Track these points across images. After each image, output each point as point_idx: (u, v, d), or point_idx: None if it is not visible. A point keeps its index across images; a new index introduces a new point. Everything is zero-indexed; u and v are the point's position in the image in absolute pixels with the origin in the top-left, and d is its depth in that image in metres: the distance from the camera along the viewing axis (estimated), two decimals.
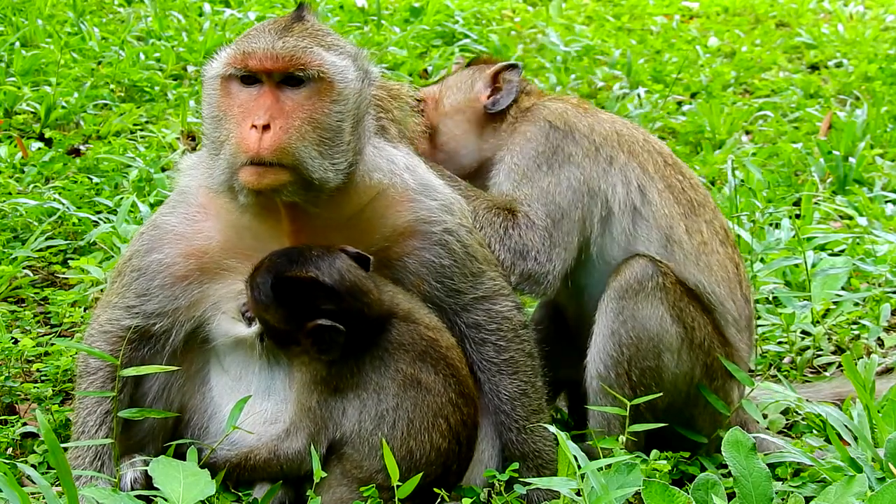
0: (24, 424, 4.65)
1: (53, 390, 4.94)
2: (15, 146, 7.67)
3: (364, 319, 4.02)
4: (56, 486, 3.85)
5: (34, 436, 4.62)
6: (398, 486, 3.80)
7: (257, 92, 3.96)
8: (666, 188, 4.68)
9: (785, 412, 5.08)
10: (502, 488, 4.13)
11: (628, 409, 4.23)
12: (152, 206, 6.64)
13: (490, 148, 4.83)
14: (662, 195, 4.66)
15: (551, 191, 4.60)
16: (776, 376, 5.42)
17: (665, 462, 4.13)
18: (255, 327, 4.11)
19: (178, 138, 8.02)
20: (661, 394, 4.45)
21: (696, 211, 4.72)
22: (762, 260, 6.36)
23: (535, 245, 4.54)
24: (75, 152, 7.81)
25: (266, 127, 3.87)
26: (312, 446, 3.97)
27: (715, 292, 4.66)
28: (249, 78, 3.98)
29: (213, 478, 3.83)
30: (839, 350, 5.79)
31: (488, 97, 4.88)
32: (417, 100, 4.94)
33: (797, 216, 7.23)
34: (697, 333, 4.54)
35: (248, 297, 4.03)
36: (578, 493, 3.60)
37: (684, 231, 4.65)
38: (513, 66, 4.93)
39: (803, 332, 5.88)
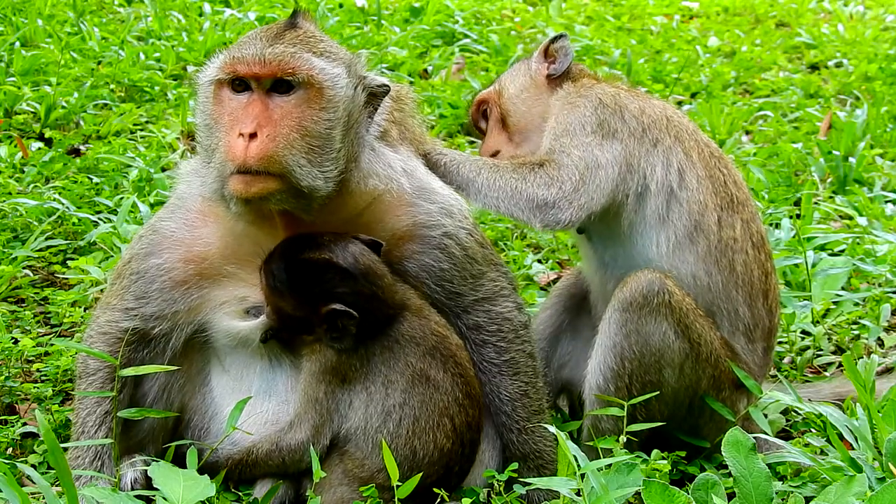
0: (24, 424, 4.65)
1: (53, 390, 4.94)
2: (15, 146, 7.67)
3: (378, 304, 4.03)
4: (56, 486, 3.85)
5: (34, 436, 4.62)
6: (398, 486, 3.80)
7: (247, 99, 3.97)
8: (707, 177, 4.67)
9: (785, 412, 5.08)
10: (502, 488, 4.13)
11: (626, 409, 4.24)
12: (152, 206, 6.64)
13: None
14: (702, 182, 4.64)
15: (592, 146, 4.61)
16: (776, 376, 5.41)
17: (665, 462, 4.13)
18: (259, 321, 4.12)
19: (178, 138, 8.02)
20: (656, 400, 4.43)
21: (734, 207, 4.69)
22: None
23: (561, 177, 4.55)
24: (75, 152, 7.81)
25: (253, 135, 3.87)
26: (314, 439, 3.97)
27: (730, 296, 4.62)
28: (240, 85, 3.99)
29: (213, 478, 3.84)
30: (839, 350, 5.79)
31: (548, 68, 5.02)
32: (479, 102, 5.14)
33: (797, 216, 7.23)
34: (704, 349, 4.50)
35: (263, 286, 4.04)
36: (578, 493, 3.60)
37: (715, 222, 4.62)
38: (559, 37, 5.09)
39: (803, 332, 5.88)
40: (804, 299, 5.92)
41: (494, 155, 4.99)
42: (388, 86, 4.19)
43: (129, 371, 4.04)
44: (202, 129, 4.09)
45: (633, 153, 4.63)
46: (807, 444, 4.48)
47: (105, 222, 6.54)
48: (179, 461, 4.02)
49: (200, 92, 4.10)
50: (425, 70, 10.23)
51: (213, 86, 4.03)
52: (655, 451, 4.22)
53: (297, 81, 3.95)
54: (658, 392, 4.44)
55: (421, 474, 3.89)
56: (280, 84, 3.96)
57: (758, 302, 4.69)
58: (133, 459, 4.15)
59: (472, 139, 8.74)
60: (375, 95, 4.16)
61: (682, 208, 4.61)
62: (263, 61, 3.93)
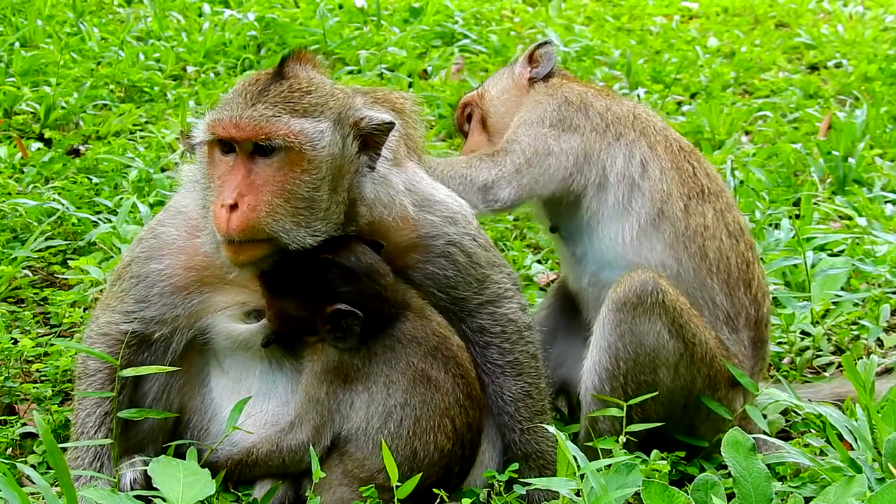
0: (24, 425, 4.66)
1: (53, 390, 4.94)
2: (15, 146, 7.67)
3: (381, 303, 4.03)
4: (55, 486, 3.85)
5: (34, 436, 4.62)
6: (398, 487, 3.80)
7: (232, 162, 3.91)
8: (672, 168, 4.72)
9: (784, 412, 5.08)
10: (502, 488, 4.13)
11: (624, 410, 4.24)
12: (152, 206, 6.64)
13: None
14: (666, 173, 4.69)
15: (547, 137, 4.71)
16: (775, 376, 5.41)
17: (664, 462, 4.13)
18: (259, 324, 4.12)
19: (177, 138, 8.01)
20: (652, 400, 4.43)
21: (705, 196, 4.72)
22: (762, 260, 6.36)
23: (504, 161, 4.68)
24: (75, 152, 7.81)
25: (235, 206, 3.82)
26: (315, 440, 3.97)
27: (704, 283, 4.64)
28: (226, 145, 3.92)
29: (213, 477, 3.83)
30: (839, 350, 5.79)
31: (530, 72, 5.11)
32: (463, 105, 5.23)
33: (797, 216, 7.23)
34: (698, 349, 4.51)
35: (264, 291, 4.03)
36: (578, 494, 3.60)
37: (681, 209, 4.65)
38: (543, 43, 5.20)
39: (803, 332, 5.88)
40: (804, 300, 5.92)
41: None
42: (391, 122, 4.07)
43: (129, 371, 4.04)
44: (200, 185, 4.04)
45: (592, 146, 4.71)
46: (806, 445, 4.48)
47: (105, 222, 6.54)
48: None
49: (197, 151, 4.06)
50: (425, 70, 10.23)
51: (206, 145, 3.98)
52: (655, 452, 4.22)
53: (276, 145, 3.87)
54: (655, 392, 4.44)
55: (421, 475, 3.89)
56: (262, 146, 3.88)
57: (738, 290, 4.70)
58: (132, 460, 4.14)
59: None
60: (378, 133, 4.05)
61: (645, 197, 4.66)
62: (239, 126, 3.85)
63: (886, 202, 7.65)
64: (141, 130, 8.31)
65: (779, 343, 5.77)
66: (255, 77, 4.06)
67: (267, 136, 3.85)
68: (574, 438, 4.58)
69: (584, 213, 4.69)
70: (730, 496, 3.83)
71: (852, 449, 4.16)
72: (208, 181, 3.97)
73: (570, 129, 4.71)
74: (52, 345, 5.22)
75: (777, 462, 4.22)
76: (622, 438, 4.17)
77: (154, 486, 3.76)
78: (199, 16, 11.28)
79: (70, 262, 6.15)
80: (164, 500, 3.70)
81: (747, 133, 9.30)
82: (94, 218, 6.62)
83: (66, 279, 6.07)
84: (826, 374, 5.61)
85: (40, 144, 7.89)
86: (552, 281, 6.20)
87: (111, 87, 9.10)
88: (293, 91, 3.95)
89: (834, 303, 6.13)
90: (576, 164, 4.67)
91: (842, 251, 6.71)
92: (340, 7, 11.80)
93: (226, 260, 3.93)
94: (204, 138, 3.95)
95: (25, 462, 4.41)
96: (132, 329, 4.16)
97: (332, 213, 3.96)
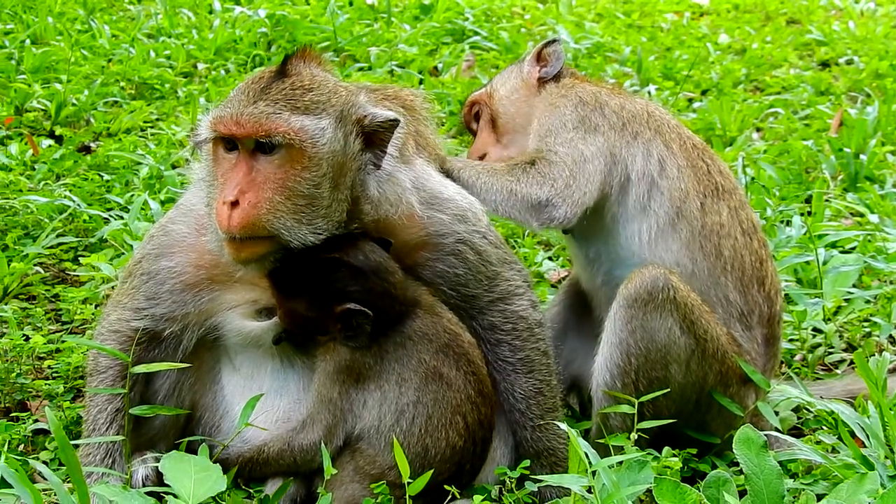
0: (36, 421, 4.67)
1: (65, 387, 4.96)
2: (26, 143, 7.69)
3: (391, 301, 4.03)
4: (67, 482, 3.86)
5: (46, 432, 4.63)
6: (409, 483, 3.80)
7: (235, 159, 3.92)
8: (688, 166, 4.71)
9: (796, 409, 5.07)
10: (513, 485, 4.13)
11: (636, 407, 4.23)
12: (163, 203, 6.66)
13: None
14: (683, 171, 4.68)
15: (576, 141, 4.68)
16: (787, 373, 5.40)
17: (676, 459, 4.12)
18: (270, 322, 4.12)
19: (187, 135, 8.02)
20: (663, 397, 4.41)
21: (719, 194, 4.72)
22: (774, 257, 6.34)
23: (552, 175, 4.61)
24: (86, 149, 7.83)
25: (235, 203, 3.83)
26: (326, 440, 3.97)
27: (718, 282, 4.63)
28: (230, 143, 3.93)
29: (225, 474, 3.83)
30: (850, 347, 5.78)
31: (539, 71, 5.08)
32: (471, 104, 5.20)
33: (808, 213, 7.21)
34: (710, 345, 4.50)
35: (273, 291, 4.03)
36: (589, 490, 3.60)
37: (698, 208, 4.65)
38: (552, 42, 5.18)
39: (815, 329, 5.86)
40: (815, 296, 5.91)
41: (482, 157, 5.03)
42: (396, 120, 4.04)
43: (141, 368, 4.04)
44: (205, 183, 4.05)
45: (614, 145, 4.69)
46: (818, 442, 4.47)
47: (116, 219, 6.55)
48: None
49: (203, 148, 4.07)
50: (435, 67, 10.23)
51: (211, 143, 3.99)
52: (666, 449, 4.21)
53: (276, 142, 3.87)
54: (667, 389, 4.43)
55: (432, 471, 3.89)
56: (263, 143, 3.88)
57: (752, 288, 4.69)
58: (144, 456, 4.15)
59: None
60: (382, 130, 4.03)
61: (664, 196, 4.64)
62: (240, 123, 3.85)
63: None
64: (152, 127, 8.33)
65: (790, 340, 5.75)
66: (258, 75, 4.07)
67: (267, 133, 3.85)
68: (585, 435, 4.58)
69: (604, 214, 4.67)
70: (742, 493, 3.82)
71: (864, 446, 4.16)
72: (212, 178, 3.99)
73: (591, 129, 4.69)
74: (63, 341, 5.23)
75: (789, 459, 4.21)
76: (634, 435, 4.16)
77: (166, 482, 3.77)
78: (210, 13, 11.29)
79: (81, 259, 6.16)
80: (175, 496, 3.71)
81: (758, 130, 9.28)
82: (105, 215, 6.64)
83: (77, 276, 6.09)
84: (838, 371, 5.59)
85: (51, 141, 7.91)
86: (563, 278, 6.20)
87: (122, 84, 9.12)
88: (295, 88, 3.96)
89: (846, 300, 6.12)
90: (606, 165, 4.64)
91: (853, 248, 6.70)
92: (351, 4, 11.81)
93: (229, 257, 3.93)
94: (207, 135, 3.96)
95: (38, 458, 4.42)
96: (143, 326, 4.17)
97: (333, 210, 3.96)
